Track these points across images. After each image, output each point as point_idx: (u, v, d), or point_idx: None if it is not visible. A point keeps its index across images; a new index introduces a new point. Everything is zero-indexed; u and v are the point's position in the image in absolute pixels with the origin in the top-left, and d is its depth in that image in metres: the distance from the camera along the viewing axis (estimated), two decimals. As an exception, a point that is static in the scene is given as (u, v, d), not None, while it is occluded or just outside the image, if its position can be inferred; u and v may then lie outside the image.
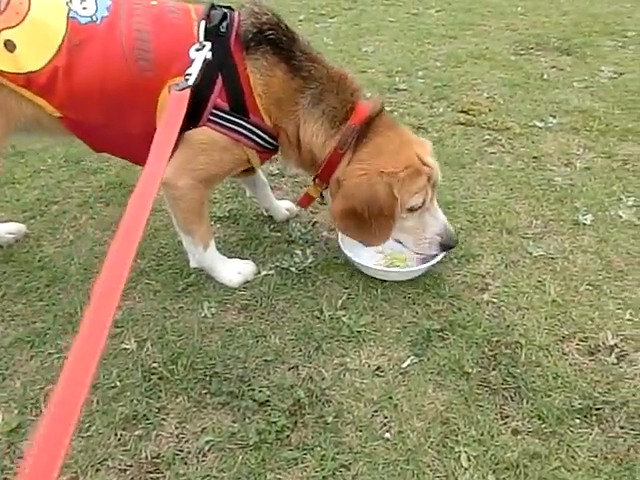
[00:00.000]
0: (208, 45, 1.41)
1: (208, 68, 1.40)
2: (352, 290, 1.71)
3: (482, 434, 1.29)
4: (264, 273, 1.78)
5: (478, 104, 2.99)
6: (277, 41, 1.49)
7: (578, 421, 1.32)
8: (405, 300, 1.67)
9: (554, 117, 2.84)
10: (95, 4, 1.46)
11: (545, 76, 3.37)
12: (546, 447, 1.26)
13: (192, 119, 1.46)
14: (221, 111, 1.48)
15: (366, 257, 1.78)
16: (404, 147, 1.58)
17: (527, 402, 1.37)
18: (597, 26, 4.36)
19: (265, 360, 1.49)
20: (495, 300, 1.68)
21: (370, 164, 1.54)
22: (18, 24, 1.38)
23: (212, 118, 1.48)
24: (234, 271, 1.74)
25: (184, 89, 1.29)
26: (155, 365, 1.46)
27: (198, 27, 1.44)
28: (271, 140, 1.58)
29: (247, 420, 1.33)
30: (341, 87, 1.55)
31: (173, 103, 1.27)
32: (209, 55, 1.40)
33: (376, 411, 1.35)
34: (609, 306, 1.66)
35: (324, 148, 1.57)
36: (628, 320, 1.61)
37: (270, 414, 1.34)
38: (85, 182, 2.28)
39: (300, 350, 1.52)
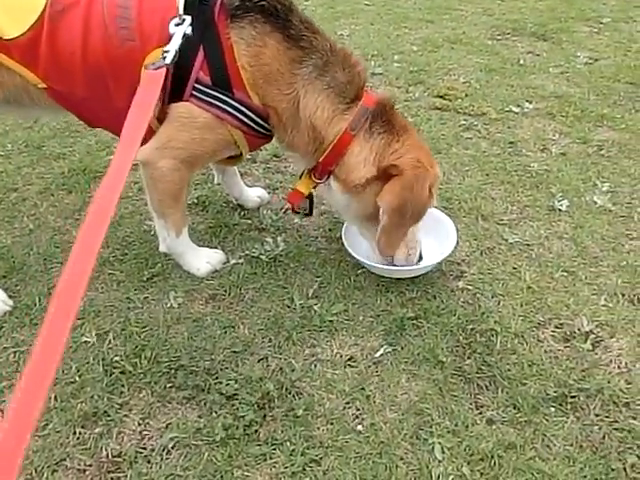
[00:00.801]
0: (188, 20, 1.31)
1: (189, 39, 1.31)
2: (324, 278, 1.66)
3: (456, 425, 1.26)
4: (233, 262, 1.72)
5: (454, 89, 2.95)
6: (270, 9, 1.37)
7: (553, 409, 1.30)
8: (378, 288, 1.63)
9: (530, 102, 2.81)
10: None
11: (521, 61, 3.34)
12: (521, 437, 1.24)
13: (176, 94, 1.38)
14: (203, 85, 1.37)
15: (363, 252, 1.67)
16: (431, 154, 1.55)
17: (502, 391, 1.34)
18: (573, 12, 4.35)
19: (233, 351, 1.43)
20: (470, 287, 1.65)
21: (421, 158, 1.45)
22: None
23: (194, 93, 1.38)
24: (202, 260, 1.67)
25: (160, 67, 1.21)
26: (117, 359, 1.39)
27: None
28: (261, 121, 1.46)
29: (214, 415, 1.28)
30: (347, 63, 1.43)
31: (147, 82, 1.18)
32: (189, 30, 1.30)
33: (348, 403, 1.31)
34: (584, 292, 1.64)
35: (331, 126, 1.43)
36: (603, 306, 1.59)
37: (238, 408, 1.28)
38: (46, 168, 2.18)
39: (270, 341, 1.47)
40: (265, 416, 1.27)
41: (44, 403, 0.71)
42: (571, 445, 1.22)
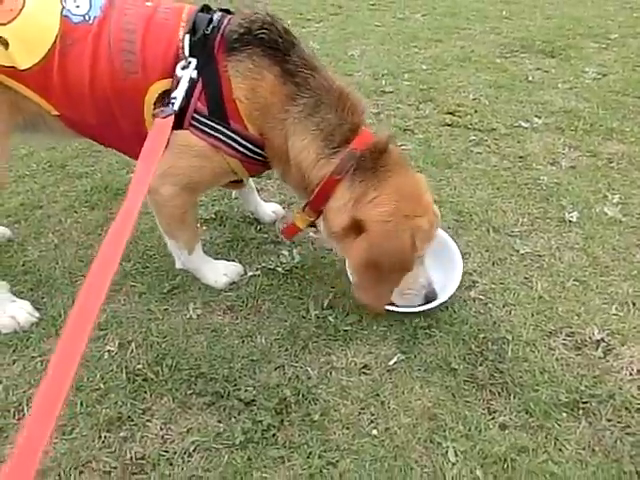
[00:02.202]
0: (193, 63, 1.37)
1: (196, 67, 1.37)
2: (339, 289, 1.70)
3: (469, 429, 1.29)
4: (250, 274, 1.77)
5: (464, 105, 3.00)
6: (270, 42, 1.39)
7: (565, 415, 1.32)
8: (392, 298, 1.67)
9: (539, 117, 2.86)
10: (89, 3, 1.43)
11: (530, 78, 3.40)
12: (534, 441, 1.26)
13: (177, 122, 1.42)
14: (201, 115, 1.42)
15: None
16: (423, 192, 1.46)
17: (514, 397, 1.36)
18: (580, 29, 4.41)
19: (251, 360, 1.48)
20: (482, 297, 1.68)
21: (395, 208, 1.38)
22: (11, 21, 1.35)
23: (193, 122, 1.43)
24: (220, 273, 1.73)
25: (168, 116, 1.27)
26: (139, 367, 1.45)
27: (183, 38, 1.39)
28: (258, 150, 1.48)
29: (233, 420, 1.32)
30: (341, 104, 1.41)
31: (156, 131, 1.23)
32: (194, 74, 1.36)
33: (363, 408, 1.35)
34: (595, 301, 1.66)
35: (317, 169, 1.43)
36: (614, 315, 1.61)
37: (256, 413, 1.32)
38: (70, 186, 2.26)
39: (286, 350, 1.51)
40: (283, 421, 1.31)
41: (63, 409, 0.77)
42: (583, 449, 1.24)
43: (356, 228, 1.41)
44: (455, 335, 1.54)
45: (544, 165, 2.41)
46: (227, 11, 1.50)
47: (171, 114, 1.28)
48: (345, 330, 1.56)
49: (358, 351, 1.50)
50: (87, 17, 1.41)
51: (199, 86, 1.40)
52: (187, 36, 1.39)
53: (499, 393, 1.38)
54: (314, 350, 1.51)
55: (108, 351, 1.50)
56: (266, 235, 1.96)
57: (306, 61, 1.41)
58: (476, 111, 2.96)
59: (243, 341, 1.54)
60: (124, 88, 1.41)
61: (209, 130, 1.42)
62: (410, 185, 1.44)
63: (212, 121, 1.42)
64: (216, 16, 1.45)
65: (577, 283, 1.73)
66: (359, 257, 1.41)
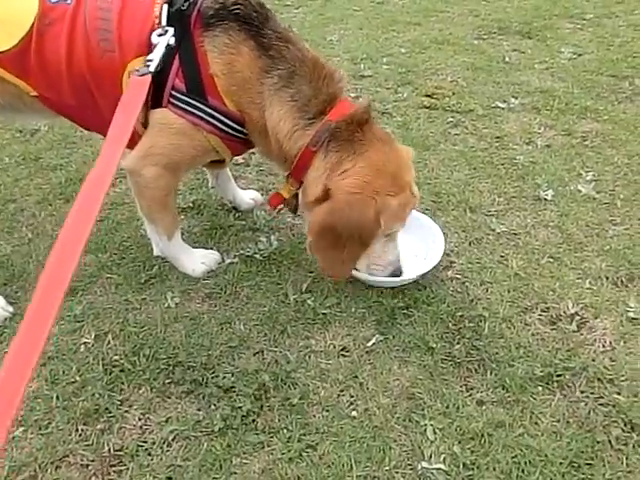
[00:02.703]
0: (171, 30, 1.36)
1: (167, 49, 1.35)
2: (317, 273, 1.70)
3: (447, 407, 1.30)
4: (229, 261, 1.76)
5: (442, 88, 3.00)
6: (245, 17, 1.39)
7: (540, 388, 1.34)
8: (370, 281, 1.67)
9: (516, 98, 2.86)
10: None
11: (507, 59, 3.40)
12: (510, 415, 1.28)
13: (157, 100, 1.42)
14: (179, 92, 1.41)
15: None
16: (402, 171, 1.44)
17: (491, 373, 1.38)
18: (557, 9, 4.41)
19: (230, 346, 1.48)
20: (459, 276, 1.69)
21: (366, 183, 1.37)
22: None
23: (171, 100, 1.41)
24: (197, 261, 1.72)
25: (144, 75, 1.26)
26: (116, 358, 1.44)
27: (161, 9, 1.38)
28: (238, 127, 1.47)
29: (212, 407, 1.32)
30: (316, 74, 1.41)
31: (132, 88, 1.23)
32: (172, 41, 1.35)
33: (342, 391, 1.35)
34: (569, 276, 1.68)
35: (293, 141, 1.43)
36: (588, 289, 1.63)
37: (235, 400, 1.33)
38: (44, 179, 2.23)
39: (265, 335, 1.51)
40: (262, 406, 1.31)
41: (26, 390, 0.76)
42: (558, 421, 1.26)
43: (325, 197, 1.41)
44: (433, 314, 1.55)
45: (520, 145, 2.42)
46: None
47: (147, 74, 1.26)
48: (324, 313, 1.56)
49: (337, 333, 1.51)
50: None
51: (176, 63, 1.38)
52: (165, 6, 1.38)
53: (476, 370, 1.39)
54: (293, 334, 1.51)
55: (84, 343, 1.49)
56: (244, 222, 1.95)
57: (280, 34, 1.41)
58: (454, 93, 2.95)
59: (222, 328, 1.54)
60: (101, 67, 1.40)
61: (188, 107, 1.42)
62: (388, 162, 1.42)
63: (190, 98, 1.41)
64: None
65: (552, 260, 1.75)
66: (317, 219, 1.41)
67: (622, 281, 1.67)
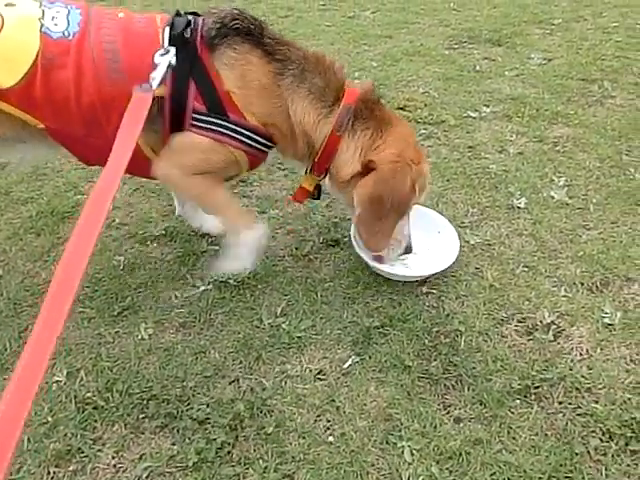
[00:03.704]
0: (172, 50, 1.42)
1: (180, 77, 1.43)
2: (292, 296, 1.69)
3: (425, 426, 1.29)
4: (202, 288, 1.75)
5: (414, 100, 3.02)
6: (245, 29, 1.47)
7: (518, 402, 1.33)
8: (345, 300, 1.66)
9: (487, 106, 2.89)
10: (66, 20, 1.46)
11: (478, 67, 3.44)
12: (488, 432, 1.26)
13: (176, 125, 1.48)
14: (200, 114, 1.47)
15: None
16: (420, 150, 1.59)
17: (468, 389, 1.37)
18: (526, 16, 4.48)
19: (205, 376, 1.45)
20: (434, 291, 1.69)
21: (401, 152, 1.51)
22: None
23: (193, 122, 1.48)
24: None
25: (147, 91, 1.30)
26: (89, 395, 1.41)
27: (162, 34, 1.45)
28: (259, 139, 1.53)
29: (187, 440, 1.29)
30: (321, 67, 1.52)
31: (134, 104, 1.26)
32: (173, 60, 1.41)
33: (318, 416, 1.33)
34: (545, 285, 1.68)
35: (318, 130, 1.52)
36: (563, 297, 1.63)
37: (210, 432, 1.30)
38: (14, 213, 2.20)
39: (240, 362, 1.49)
40: (237, 437, 1.29)
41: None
42: (536, 435, 1.25)
43: (366, 171, 1.52)
44: (409, 332, 1.53)
45: (492, 153, 2.43)
46: (195, 14, 1.54)
47: (149, 90, 1.30)
48: (299, 337, 1.54)
49: (313, 357, 1.49)
50: (66, 33, 1.44)
51: (192, 87, 1.45)
52: (166, 29, 1.45)
53: (453, 386, 1.38)
54: (268, 360, 1.49)
55: (56, 381, 1.46)
56: (217, 247, 1.93)
57: (278, 39, 1.51)
58: (426, 104, 2.97)
59: (196, 358, 1.51)
60: (111, 94, 1.44)
61: (211, 126, 1.48)
62: (409, 134, 1.59)
63: (212, 117, 1.47)
64: (190, 18, 1.50)
65: (526, 269, 1.75)
66: (367, 190, 1.51)
67: (597, 286, 1.67)
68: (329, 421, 1.32)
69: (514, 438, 1.25)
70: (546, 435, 1.25)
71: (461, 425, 1.28)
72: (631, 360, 1.43)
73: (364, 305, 1.64)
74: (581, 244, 1.84)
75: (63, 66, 1.42)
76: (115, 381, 1.44)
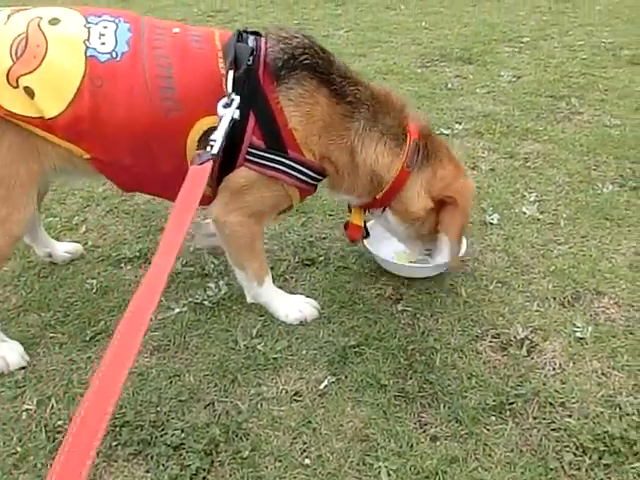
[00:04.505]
0: (236, 101, 1.29)
1: (240, 107, 1.30)
2: (267, 317, 1.68)
3: (401, 446, 1.28)
4: (177, 310, 1.73)
5: (388, 118, 3.05)
6: (314, 65, 1.40)
7: (493, 418, 1.34)
8: (321, 320, 1.66)
9: (459, 123, 2.94)
10: (114, 38, 1.35)
11: (449, 85, 3.50)
12: (464, 449, 1.27)
13: (229, 161, 1.41)
14: (257, 149, 1.40)
15: (386, 254, 1.82)
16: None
17: (444, 406, 1.37)
18: (495, 34, 4.60)
19: (179, 401, 1.43)
20: (410, 308, 1.70)
21: (460, 178, 1.60)
22: (35, 69, 1.28)
23: (249, 157, 1.41)
24: (293, 307, 1.66)
25: (205, 162, 1.17)
26: (60, 423, 1.38)
27: (226, 76, 1.32)
28: (313, 174, 1.48)
29: (161, 467, 1.27)
30: (391, 105, 1.51)
31: (192, 178, 1.13)
32: (237, 114, 1.29)
33: (295, 438, 1.32)
34: (518, 300, 1.70)
35: (391, 169, 1.51)
36: (536, 312, 1.66)
37: (185, 457, 1.28)
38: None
39: (215, 385, 1.47)
40: (212, 462, 1.27)
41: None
42: (511, 451, 1.26)
43: (440, 205, 1.57)
44: (384, 350, 1.54)
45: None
46: (256, 33, 1.46)
47: (209, 160, 1.18)
48: (275, 358, 1.54)
49: (289, 378, 1.48)
50: (114, 54, 1.33)
51: (251, 121, 1.37)
52: (230, 72, 1.33)
53: (429, 404, 1.39)
54: (244, 382, 1.48)
55: (26, 410, 1.42)
56: (192, 268, 1.92)
57: (347, 77, 1.46)
58: (399, 122, 3.01)
59: (171, 382, 1.49)
60: (165, 126, 1.36)
61: (268, 162, 1.42)
62: (454, 157, 1.64)
63: (270, 153, 1.41)
64: (251, 41, 1.41)
65: (500, 284, 1.77)
66: (456, 225, 1.58)
67: (568, 301, 1.70)
68: (305, 443, 1.31)
69: (489, 455, 1.25)
70: (521, 451, 1.26)
71: (437, 444, 1.29)
72: (602, 373, 1.45)
73: (340, 324, 1.64)
74: (552, 259, 1.87)
75: (112, 91, 1.32)
76: (87, 408, 1.41)
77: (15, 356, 1.54)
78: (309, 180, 1.49)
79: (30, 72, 1.28)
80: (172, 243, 0.99)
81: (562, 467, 1.21)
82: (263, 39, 1.43)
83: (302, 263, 1.92)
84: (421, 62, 4.05)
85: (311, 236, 2.06)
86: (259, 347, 1.57)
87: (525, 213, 2.12)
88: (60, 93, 1.31)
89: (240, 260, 1.62)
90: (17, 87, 1.28)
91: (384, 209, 1.62)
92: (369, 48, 4.48)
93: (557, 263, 1.85)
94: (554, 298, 1.71)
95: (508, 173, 2.43)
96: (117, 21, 1.37)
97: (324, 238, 2.05)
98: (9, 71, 1.27)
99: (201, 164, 1.17)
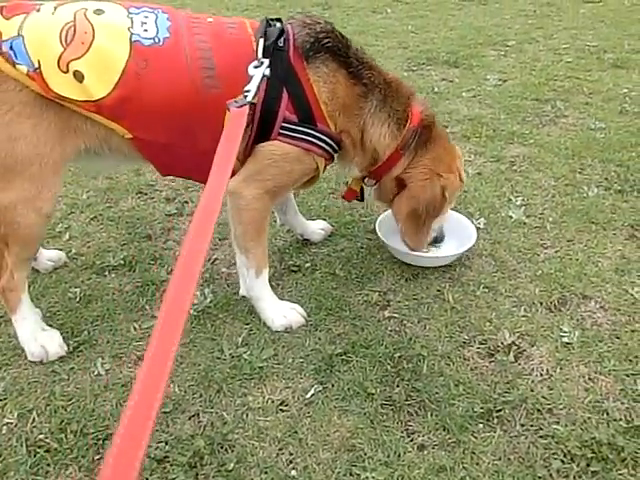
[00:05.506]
0: (266, 62, 1.43)
1: (273, 84, 1.46)
2: (253, 325, 1.66)
3: (388, 455, 1.27)
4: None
5: (374, 122, 3.05)
6: (334, 48, 1.53)
7: (481, 426, 1.33)
8: (307, 328, 1.64)
9: (446, 127, 2.94)
10: (155, 26, 1.46)
11: (436, 89, 3.51)
12: (452, 458, 1.26)
13: (263, 135, 1.51)
14: (290, 123, 1.51)
15: (399, 244, 1.87)
16: (454, 161, 1.76)
17: (431, 414, 1.36)
18: (481, 38, 4.62)
19: (164, 412, 1.41)
20: (396, 315, 1.68)
21: (431, 169, 1.68)
22: (84, 54, 1.38)
23: (282, 132, 1.51)
24: (279, 312, 1.65)
25: (242, 105, 1.29)
26: (41, 437, 1.35)
27: (257, 44, 1.47)
28: (335, 145, 1.61)
29: (144, 481, 1.24)
30: (399, 92, 1.64)
31: (232, 119, 1.26)
32: (267, 72, 1.42)
33: (281, 449, 1.30)
34: (505, 305, 1.70)
35: (387, 148, 1.64)
36: (523, 317, 1.65)
37: (169, 471, 1.26)
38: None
39: (201, 396, 1.45)
40: (197, 475, 1.25)
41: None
42: (499, 459, 1.25)
43: (401, 188, 1.71)
44: (371, 358, 1.53)
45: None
46: (279, 20, 1.58)
47: (245, 104, 1.29)
48: (260, 367, 1.52)
49: (275, 387, 1.47)
50: (157, 39, 1.44)
51: (285, 97, 1.49)
52: (261, 40, 1.46)
53: (416, 412, 1.37)
54: (229, 392, 1.45)
55: (6, 424, 1.39)
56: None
57: (363, 61, 1.58)
58: (386, 126, 3.00)
59: (155, 393, 1.47)
60: (206, 103, 1.45)
61: (301, 135, 1.53)
62: (445, 153, 1.74)
63: (302, 126, 1.52)
64: (279, 26, 1.53)
65: (487, 289, 1.77)
66: (402, 209, 1.73)
67: (555, 305, 1.70)
68: (291, 454, 1.29)
69: (477, 464, 1.24)
70: (509, 459, 1.25)
71: (425, 452, 1.27)
72: (589, 378, 1.45)
73: (326, 332, 1.63)
74: (539, 263, 1.87)
75: (156, 72, 1.42)
76: (69, 421, 1.38)
77: (55, 346, 1.57)
78: (332, 151, 1.62)
79: (79, 57, 1.37)
80: (224, 167, 1.07)
81: (550, 475, 1.21)
82: (289, 25, 1.56)
83: (288, 269, 1.90)
84: (407, 66, 4.05)
85: (297, 242, 2.04)
86: (245, 356, 1.55)
87: (511, 217, 2.12)
88: (107, 75, 1.39)
89: (246, 240, 1.63)
90: (67, 72, 1.36)
91: (377, 182, 1.77)
92: (356, 52, 4.47)
93: (543, 267, 1.85)
94: (541, 303, 1.70)
95: (494, 177, 2.43)
96: (156, 12, 1.49)
97: (310, 244, 2.03)
98: (60, 57, 1.35)
99: (240, 107, 1.27)
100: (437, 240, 1.88)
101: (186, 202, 2.33)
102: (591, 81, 3.54)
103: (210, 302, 1.75)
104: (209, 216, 0.97)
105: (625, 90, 3.37)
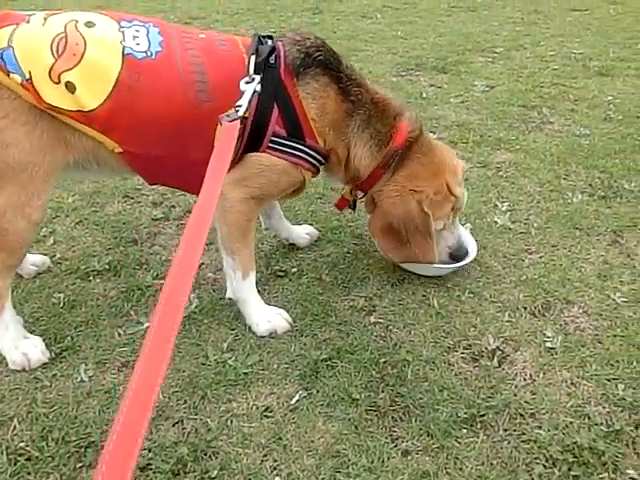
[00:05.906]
0: (257, 78, 1.45)
1: (264, 100, 1.48)
2: (239, 330, 1.66)
3: (372, 461, 1.27)
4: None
5: (362, 127, 3.06)
6: (325, 62, 1.55)
7: (465, 431, 1.33)
8: (293, 333, 1.64)
9: (434, 133, 2.96)
10: (147, 40, 1.46)
11: (424, 94, 3.53)
12: (435, 463, 1.26)
13: (253, 147, 1.54)
14: (280, 137, 1.53)
15: None
16: (436, 175, 1.69)
17: (416, 420, 1.37)
18: (469, 44, 4.66)
19: (147, 419, 1.39)
20: (382, 320, 1.69)
21: (403, 186, 1.66)
22: (76, 65, 1.38)
23: (271, 145, 1.54)
24: (264, 316, 1.65)
25: (234, 120, 1.31)
26: (22, 445, 1.33)
27: (249, 60, 1.49)
28: (322, 160, 1.63)
29: (127, 489, 1.23)
30: (385, 112, 1.63)
31: (224, 133, 1.28)
32: (258, 88, 1.44)
33: (265, 455, 1.30)
34: (489, 310, 1.71)
35: (367, 168, 1.66)
36: (507, 322, 1.66)
37: (152, 478, 1.25)
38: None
39: (185, 402, 1.44)
40: (180, 482, 1.24)
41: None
42: (482, 464, 1.25)
43: (374, 207, 1.74)
44: (356, 363, 1.53)
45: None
46: (270, 37, 1.60)
47: (236, 119, 1.31)
48: (245, 373, 1.51)
49: (259, 393, 1.46)
50: (149, 53, 1.45)
51: (275, 112, 1.51)
52: (252, 57, 1.49)
53: (401, 418, 1.38)
54: (214, 399, 1.45)
55: (-13, 432, 1.38)
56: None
57: (353, 78, 1.59)
58: (374, 131, 3.01)
59: (139, 399, 1.46)
60: (199, 115, 1.46)
61: (289, 149, 1.55)
62: (425, 171, 1.69)
63: (291, 141, 1.55)
64: (270, 43, 1.55)
65: (472, 295, 1.77)
66: (373, 227, 1.74)
67: (539, 310, 1.71)
68: (276, 461, 1.29)
69: (460, 469, 1.24)
70: (492, 464, 1.25)
71: (409, 458, 1.28)
72: (572, 383, 1.46)
73: (312, 337, 1.63)
74: (524, 268, 1.89)
75: (149, 86, 1.43)
76: (51, 429, 1.37)
77: (37, 353, 1.56)
78: (319, 165, 1.65)
79: (71, 68, 1.37)
80: (213, 191, 1.07)
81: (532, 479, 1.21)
82: (280, 42, 1.57)
83: (275, 274, 1.90)
84: (396, 71, 4.07)
85: (284, 247, 2.04)
86: (230, 362, 1.54)
87: (497, 222, 2.14)
88: (99, 86, 1.40)
89: (231, 242, 1.63)
90: (59, 83, 1.36)
91: (365, 194, 1.78)
92: (345, 57, 4.46)
93: (528, 273, 1.86)
94: (525, 308, 1.72)
95: (481, 182, 2.45)
96: (147, 26, 1.50)
97: (297, 250, 2.03)
98: (52, 68, 1.36)
99: (231, 121, 1.30)
100: (453, 257, 1.81)
101: (173, 206, 2.32)
102: (577, 88, 3.58)
103: (195, 307, 1.74)
104: (201, 227, 0.98)
105: (610, 97, 3.41)
